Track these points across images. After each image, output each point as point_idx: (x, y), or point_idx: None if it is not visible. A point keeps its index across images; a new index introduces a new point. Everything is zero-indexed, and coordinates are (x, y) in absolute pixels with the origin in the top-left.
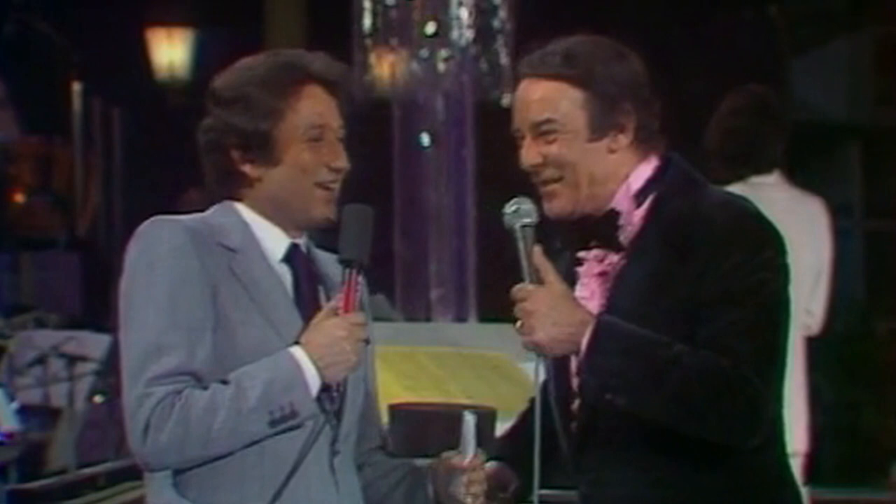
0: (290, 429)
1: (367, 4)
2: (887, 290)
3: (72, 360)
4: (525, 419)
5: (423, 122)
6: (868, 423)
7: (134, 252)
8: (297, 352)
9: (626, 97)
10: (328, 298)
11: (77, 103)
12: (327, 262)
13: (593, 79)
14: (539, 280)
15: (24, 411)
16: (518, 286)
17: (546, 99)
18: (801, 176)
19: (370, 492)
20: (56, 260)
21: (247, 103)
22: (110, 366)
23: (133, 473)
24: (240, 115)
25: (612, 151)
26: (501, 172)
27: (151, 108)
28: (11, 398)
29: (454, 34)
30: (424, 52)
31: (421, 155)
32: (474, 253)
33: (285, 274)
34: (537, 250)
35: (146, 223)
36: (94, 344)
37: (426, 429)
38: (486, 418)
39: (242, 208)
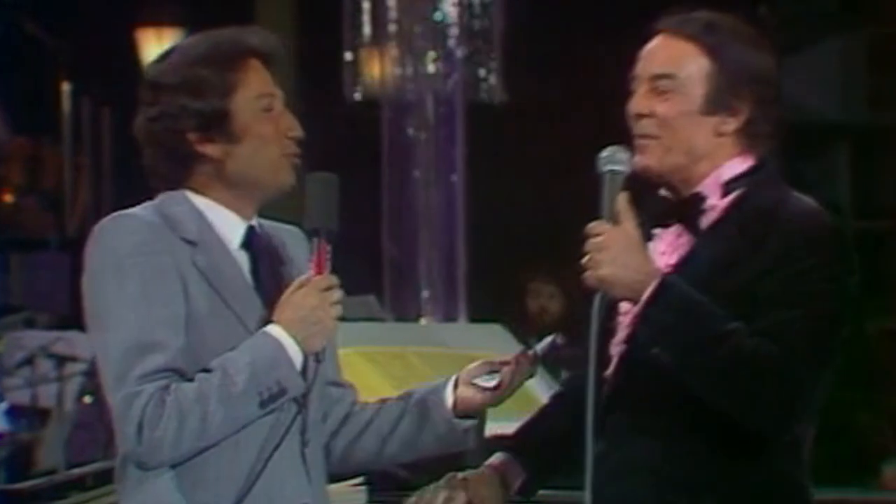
0: (234, 449)
1: (358, 6)
2: (878, 290)
3: (61, 360)
4: (543, 413)
5: (413, 123)
6: (859, 423)
7: (98, 251)
8: (275, 329)
9: (748, 84)
10: (288, 273)
11: (66, 104)
12: (281, 234)
13: (726, 54)
14: (617, 224)
15: (13, 412)
16: (594, 223)
17: (674, 56)
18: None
19: (362, 444)
20: (45, 260)
21: (196, 83)
22: None
23: None
24: (192, 97)
25: (718, 134)
26: (491, 172)
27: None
28: (0, 399)
29: (444, 35)
30: (414, 53)
31: (411, 155)
32: (464, 253)
33: (244, 260)
34: (623, 195)
35: (106, 220)
36: (83, 344)
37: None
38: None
39: (193, 195)
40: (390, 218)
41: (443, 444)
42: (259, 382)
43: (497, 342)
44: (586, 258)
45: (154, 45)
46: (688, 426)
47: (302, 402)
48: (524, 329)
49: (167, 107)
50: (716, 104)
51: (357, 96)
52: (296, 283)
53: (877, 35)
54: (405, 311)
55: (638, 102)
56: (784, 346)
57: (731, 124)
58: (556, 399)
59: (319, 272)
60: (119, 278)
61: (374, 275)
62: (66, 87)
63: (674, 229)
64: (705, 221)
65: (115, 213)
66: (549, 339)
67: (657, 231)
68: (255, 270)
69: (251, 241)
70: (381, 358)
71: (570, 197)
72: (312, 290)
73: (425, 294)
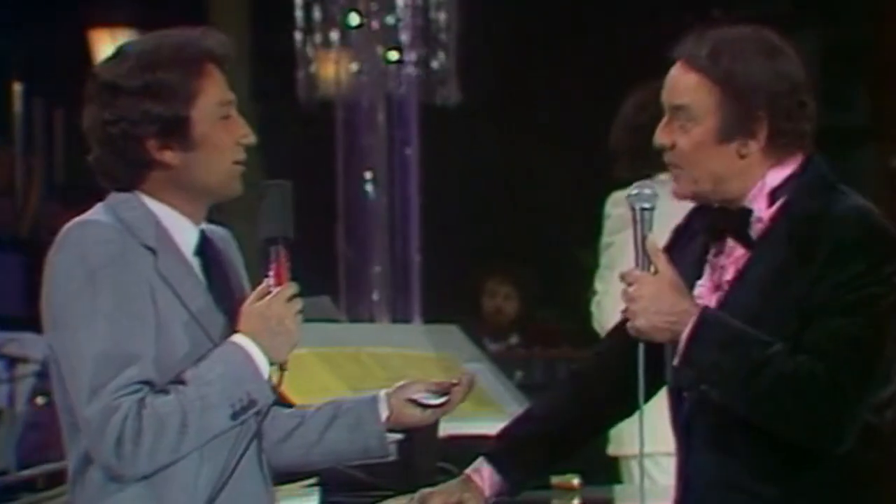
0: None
1: (311, 7)
2: None
3: (13, 361)
4: (522, 419)
5: (367, 123)
6: None
7: (66, 259)
8: (243, 339)
9: (760, 105)
10: (235, 276)
11: (18, 104)
12: (217, 238)
13: (731, 81)
14: (648, 265)
15: None
16: (627, 270)
17: (687, 87)
18: None
19: (286, 449)
20: None
21: (160, 89)
22: None
23: None
24: (155, 102)
25: (741, 157)
26: (446, 173)
27: None
28: None
29: (398, 35)
30: (368, 54)
31: (365, 157)
32: (419, 255)
33: (197, 266)
34: (651, 237)
35: (72, 227)
36: (35, 346)
37: None
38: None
39: (146, 198)
40: (345, 219)
41: (368, 455)
42: (231, 395)
43: (452, 343)
44: (622, 309)
45: (107, 45)
46: (771, 442)
47: (265, 409)
48: (479, 330)
49: (126, 111)
50: (731, 132)
51: (311, 97)
52: (256, 292)
53: (830, 36)
54: (359, 312)
55: (660, 134)
56: (830, 362)
57: (753, 146)
58: (538, 403)
59: (280, 281)
60: (91, 289)
61: (328, 276)
62: (17, 87)
63: (728, 244)
64: (755, 233)
65: (79, 219)
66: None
67: (716, 243)
68: (207, 275)
69: (204, 246)
70: (336, 358)
71: (525, 198)
72: (278, 299)
73: (379, 295)
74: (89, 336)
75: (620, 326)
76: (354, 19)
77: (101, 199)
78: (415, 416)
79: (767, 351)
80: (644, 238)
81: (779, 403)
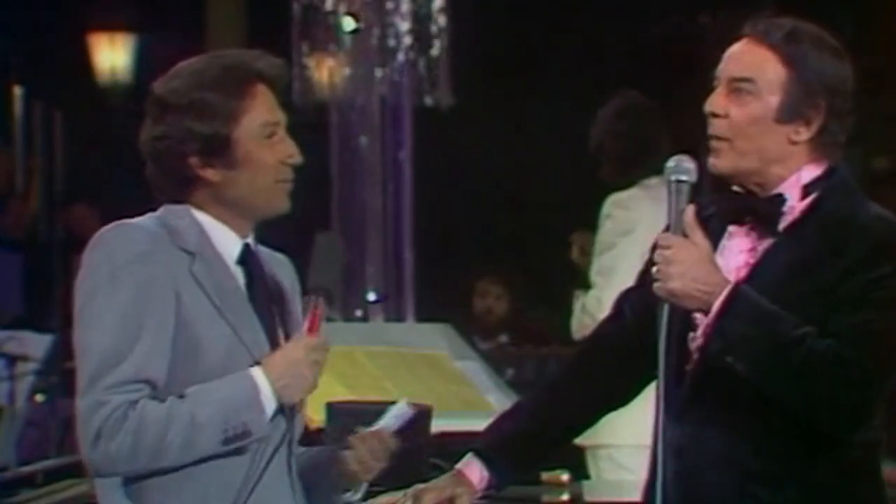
0: (239, 450)
1: (307, 11)
2: None
3: (12, 359)
4: (511, 413)
5: (361, 126)
6: None
7: (96, 257)
8: (257, 372)
9: (824, 96)
10: (279, 294)
11: (18, 107)
12: (271, 260)
13: (805, 64)
14: (684, 236)
15: None
16: (663, 234)
17: (755, 62)
18: None
19: None
20: None
21: (203, 108)
22: (52, 365)
23: (72, 471)
24: (197, 121)
25: (792, 142)
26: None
27: (93, 111)
28: None
29: (391, 39)
30: (362, 58)
31: (358, 158)
32: (412, 254)
33: (240, 275)
34: (690, 208)
35: (109, 228)
36: (34, 344)
37: (363, 425)
38: (422, 416)
39: (194, 210)
40: (339, 220)
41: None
42: (226, 419)
43: (444, 342)
44: (655, 270)
45: (106, 48)
46: (766, 421)
47: (289, 415)
48: (471, 329)
49: (172, 128)
50: (791, 113)
51: (306, 100)
52: (294, 339)
53: None
54: (354, 312)
55: (715, 101)
56: (859, 349)
57: (805, 133)
58: (526, 399)
59: (311, 329)
60: (111, 285)
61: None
62: (17, 90)
63: (750, 228)
64: (783, 222)
65: (117, 222)
66: (396, 411)
67: (732, 228)
68: (249, 285)
69: (247, 258)
70: (331, 357)
71: (516, 198)
72: (301, 345)
73: (373, 295)
74: (99, 332)
75: (608, 323)
76: (349, 24)
77: (101, 200)
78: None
79: (799, 331)
80: (681, 210)
81: (807, 382)
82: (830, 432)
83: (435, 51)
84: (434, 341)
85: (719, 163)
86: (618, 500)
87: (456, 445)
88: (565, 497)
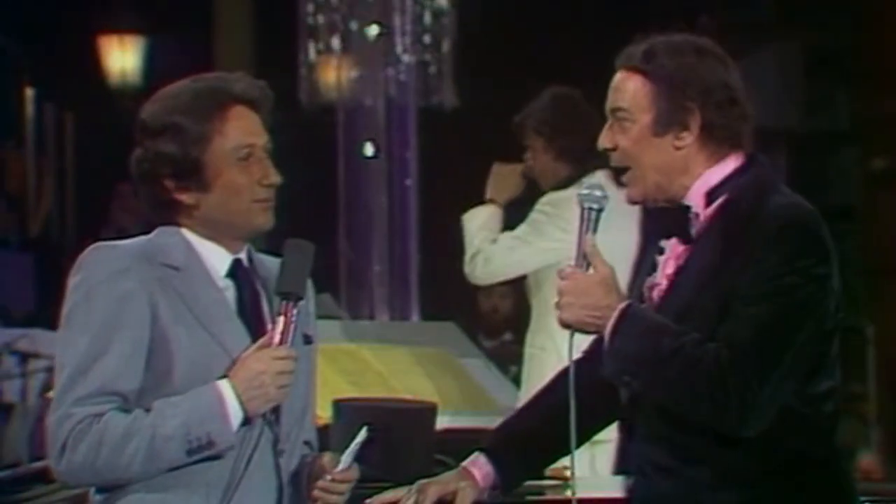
0: (209, 458)
1: (314, 13)
2: None
3: (24, 356)
4: (520, 414)
5: (367, 127)
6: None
7: (75, 279)
8: (223, 384)
9: (690, 96)
10: (270, 306)
11: (30, 109)
12: (272, 267)
13: (664, 75)
14: (587, 263)
15: None
16: (563, 266)
17: (622, 89)
18: None
19: None
20: (9, 260)
21: (175, 131)
22: None
23: None
24: (169, 144)
25: (677, 148)
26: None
27: (103, 112)
28: None
29: (398, 40)
30: (368, 59)
31: (365, 158)
32: (417, 254)
33: (230, 289)
34: (589, 238)
35: (88, 250)
36: (46, 342)
37: (369, 422)
38: (428, 413)
39: (184, 229)
40: (346, 219)
41: None
42: (189, 431)
43: (449, 340)
44: (554, 302)
45: (116, 50)
46: (697, 428)
47: (271, 418)
48: (475, 327)
49: (148, 151)
50: (664, 124)
51: (313, 101)
52: (257, 344)
53: (812, 44)
54: (359, 310)
55: (603, 138)
56: (736, 349)
57: (686, 138)
58: (534, 399)
59: (279, 338)
60: (87, 303)
61: (330, 274)
62: (29, 92)
63: (673, 242)
64: (695, 231)
65: (97, 244)
66: (355, 443)
67: (663, 243)
68: (240, 299)
69: (236, 272)
70: (336, 354)
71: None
72: (263, 355)
73: (379, 293)
74: (72, 348)
75: None
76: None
77: (110, 201)
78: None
79: (677, 341)
80: (584, 237)
81: (685, 388)
82: (730, 433)
83: (441, 52)
84: (439, 339)
85: (629, 191)
86: (617, 497)
87: (460, 442)
88: (568, 492)
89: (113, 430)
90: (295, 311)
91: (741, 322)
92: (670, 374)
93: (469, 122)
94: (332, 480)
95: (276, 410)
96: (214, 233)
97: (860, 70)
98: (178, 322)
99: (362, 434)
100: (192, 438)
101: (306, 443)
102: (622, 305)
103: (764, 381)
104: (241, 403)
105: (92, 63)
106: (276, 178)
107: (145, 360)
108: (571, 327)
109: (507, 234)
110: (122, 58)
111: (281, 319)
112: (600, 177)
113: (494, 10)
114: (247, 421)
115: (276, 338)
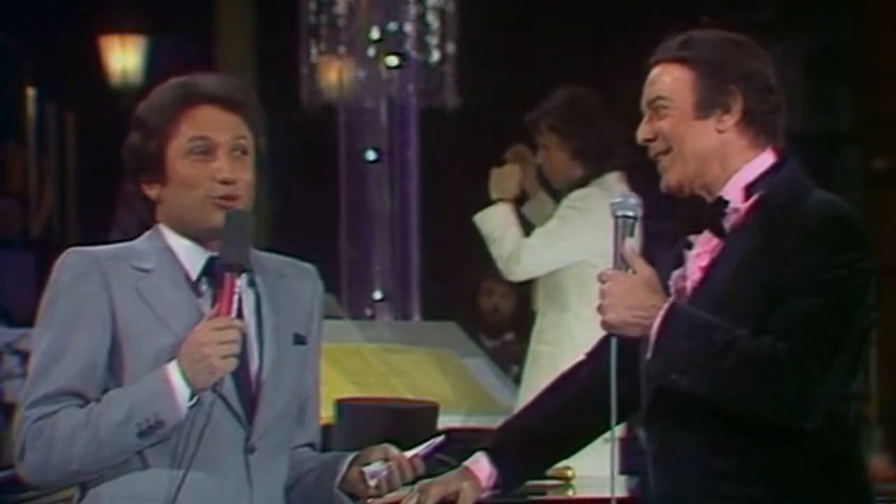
0: (161, 440)
1: (315, 13)
2: None
3: (26, 357)
4: (522, 414)
5: (369, 127)
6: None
7: (48, 284)
8: (169, 365)
9: (732, 79)
10: (259, 303)
11: (31, 108)
12: (279, 270)
13: (703, 60)
14: (625, 266)
15: None
16: (603, 270)
17: (660, 79)
18: None
19: (287, 485)
20: (10, 260)
21: (138, 126)
22: None
23: None
24: (134, 137)
25: (719, 132)
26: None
27: (105, 112)
28: None
29: (399, 42)
30: (370, 60)
31: (366, 159)
32: (418, 254)
33: (206, 288)
34: (629, 244)
35: (63, 254)
36: None
37: (370, 422)
38: (429, 413)
39: (164, 229)
40: (347, 220)
41: None
42: (137, 414)
43: (450, 340)
44: (597, 305)
45: (118, 50)
46: (724, 421)
47: (244, 412)
48: (477, 327)
49: (125, 146)
50: (706, 107)
51: (314, 101)
52: (206, 317)
53: (813, 44)
54: (361, 310)
55: (641, 130)
56: (793, 341)
57: (728, 120)
58: (537, 400)
59: (222, 309)
60: (50, 309)
61: (331, 275)
62: (30, 91)
63: (706, 234)
64: (731, 224)
65: (69, 249)
66: (433, 441)
67: (692, 238)
68: (215, 297)
69: (211, 271)
70: (339, 354)
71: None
72: (205, 327)
73: (380, 293)
74: (36, 354)
75: None
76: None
77: (113, 200)
78: (358, 487)
79: (729, 335)
80: (621, 243)
81: (742, 384)
82: (793, 426)
83: (441, 52)
84: (440, 339)
85: (667, 177)
86: (617, 496)
87: (462, 442)
88: (570, 493)
89: (64, 425)
90: (238, 283)
91: (793, 315)
92: (724, 370)
93: (471, 123)
94: (405, 464)
95: (252, 407)
96: (181, 228)
97: (860, 70)
98: (139, 322)
99: (438, 439)
100: (141, 420)
101: (309, 445)
102: (668, 304)
103: (824, 372)
104: (187, 379)
105: (94, 63)
106: (229, 174)
107: (107, 363)
108: (615, 329)
109: (539, 230)
110: (124, 58)
111: (220, 293)
112: (613, 180)
113: (496, 11)
114: (196, 397)
115: (216, 309)
